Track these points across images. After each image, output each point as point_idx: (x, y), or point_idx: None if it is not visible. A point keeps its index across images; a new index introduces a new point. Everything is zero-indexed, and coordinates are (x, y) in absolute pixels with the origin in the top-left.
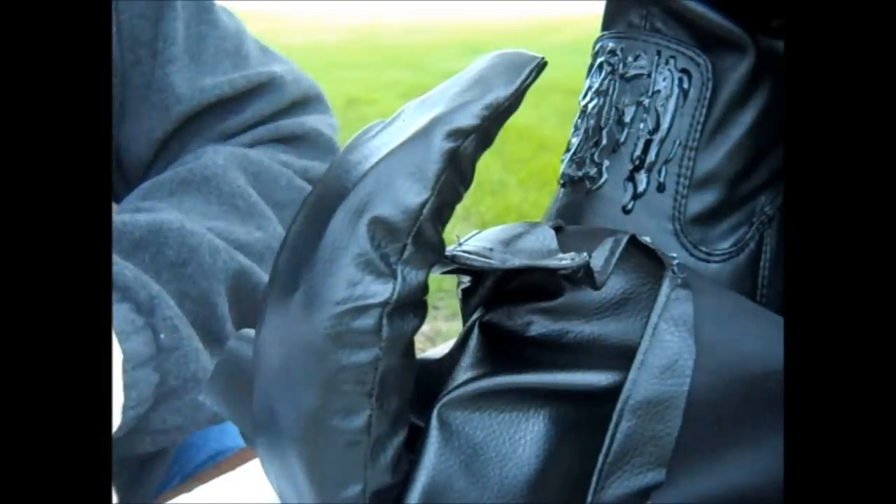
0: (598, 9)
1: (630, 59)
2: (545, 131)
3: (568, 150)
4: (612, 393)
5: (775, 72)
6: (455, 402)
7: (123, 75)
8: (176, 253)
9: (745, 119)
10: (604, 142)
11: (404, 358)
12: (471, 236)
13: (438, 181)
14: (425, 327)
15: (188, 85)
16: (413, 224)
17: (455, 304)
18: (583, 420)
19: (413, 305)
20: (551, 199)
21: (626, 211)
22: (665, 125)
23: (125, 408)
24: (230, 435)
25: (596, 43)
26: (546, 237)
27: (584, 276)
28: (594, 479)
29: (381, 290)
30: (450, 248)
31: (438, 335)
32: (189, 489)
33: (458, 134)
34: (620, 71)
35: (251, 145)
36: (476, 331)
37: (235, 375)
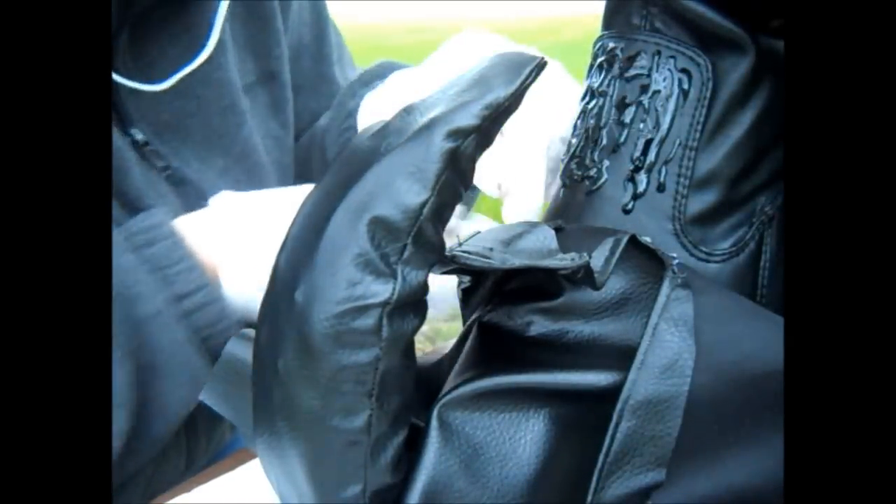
0: (597, 9)
1: (630, 59)
2: None
3: (568, 150)
4: (612, 393)
5: (775, 72)
6: (455, 402)
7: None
8: None
9: (745, 119)
10: (604, 142)
11: (404, 358)
12: (471, 236)
13: (438, 181)
14: (425, 327)
15: (342, 78)
16: (413, 224)
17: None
18: (583, 420)
19: (413, 305)
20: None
21: (626, 211)
22: (665, 125)
23: None
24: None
25: (596, 43)
26: (546, 237)
27: (584, 276)
28: (594, 478)
29: (381, 290)
30: (450, 248)
31: (438, 335)
32: (189, 489)
33: (458, 134)
34: (620, 71)
35: None
36: (476, 331)
37: (235, 376)
